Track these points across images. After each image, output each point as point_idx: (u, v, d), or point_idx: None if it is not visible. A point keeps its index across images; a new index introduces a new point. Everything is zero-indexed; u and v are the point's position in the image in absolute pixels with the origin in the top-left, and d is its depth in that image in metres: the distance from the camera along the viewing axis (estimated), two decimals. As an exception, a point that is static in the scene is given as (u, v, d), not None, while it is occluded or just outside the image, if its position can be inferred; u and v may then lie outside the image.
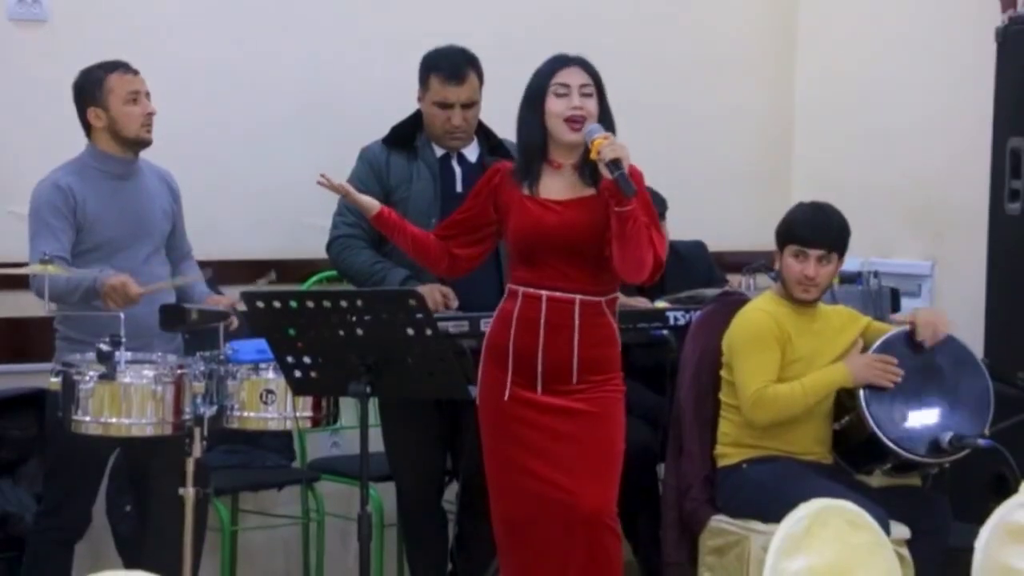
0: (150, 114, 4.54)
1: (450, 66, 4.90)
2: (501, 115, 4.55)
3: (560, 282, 4.18)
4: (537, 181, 4.22)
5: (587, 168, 4.17)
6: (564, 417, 4.20)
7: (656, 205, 5.27)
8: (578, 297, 4.17)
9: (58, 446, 4.44)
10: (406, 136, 4.98)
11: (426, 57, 4.97)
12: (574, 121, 4.15)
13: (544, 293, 4.19)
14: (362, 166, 4.98)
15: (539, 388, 4.19)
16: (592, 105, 4.17)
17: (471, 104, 4.93)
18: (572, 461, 4.18)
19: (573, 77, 4.18)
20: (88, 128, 4.56)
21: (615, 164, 4.02)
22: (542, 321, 4.17)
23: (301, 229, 5.45)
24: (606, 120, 4.19)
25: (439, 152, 4.98)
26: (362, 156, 5.01)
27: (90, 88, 4.52)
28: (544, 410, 4.20)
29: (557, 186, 4.22)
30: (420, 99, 4.98)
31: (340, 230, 4.97)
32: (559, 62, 4.22)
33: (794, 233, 4.61)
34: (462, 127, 4.91)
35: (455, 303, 4.74)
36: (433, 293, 4.70)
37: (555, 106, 4.18)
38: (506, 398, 4.22)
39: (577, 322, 4.17)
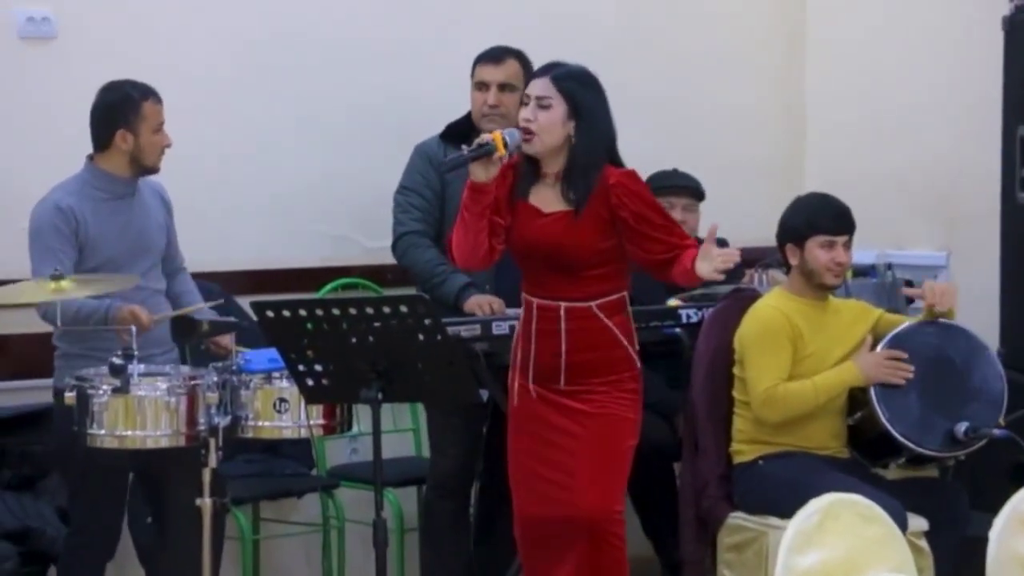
0: (168, 145, 4.57)
1: (491, 51, 5.09)
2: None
3: (545, 290, 4.23)
4: (530, 187, 4.25)
5: (567, 181, 4.19)
6: (561, 420, 4.23)
7: (693, 189, 5.34)
8: (563, 304, 4.20)
9: (78, 463, 4.46)
10: (461, 132, 5.05)
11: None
12: (523, 132, 4.17)
13: (535, 300, 4.25)
14: (419, 159, 5.09)
15: (532, 393, 4.26)
16: (546, 117, 4.15)
17: (508, 87, 5.03)
18: (574, 463, 4.20)
19: (532, 88, 4.21)
20: (103, 146, 4.55)
21: (478, 145, 4.06)
22: (533, 327, 4.25)
23: (312, 237, 5.50)
24: (587, 127, 4.18)
25: None
26: (418, 151, 5.12)
27: (124, 110, 4.50)
28: (539, 413, 4.25)
29: (545, 196, 4.25)
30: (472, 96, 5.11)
31: (406, 226, 5.05)
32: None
33: (820, 225, 4.64)
34: (498, 107, 5.00)
35: (507, 313, 4.76)
36: (483, 305, 4.81)
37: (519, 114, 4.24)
38: (515, 402, 4.31)
39: (563, 327, 4.20)
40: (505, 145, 4.11)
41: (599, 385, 4.23)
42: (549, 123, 4.16)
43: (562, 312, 4.21)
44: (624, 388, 4.27)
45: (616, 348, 4.25)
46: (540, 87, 4.20)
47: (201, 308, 4.60)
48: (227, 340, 4.43)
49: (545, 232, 4.20)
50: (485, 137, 4.12)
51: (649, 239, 4.19)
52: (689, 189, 5.39)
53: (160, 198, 4.72)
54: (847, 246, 4.65)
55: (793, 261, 4.69)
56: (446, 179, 5.01)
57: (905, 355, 4.57)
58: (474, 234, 4.18)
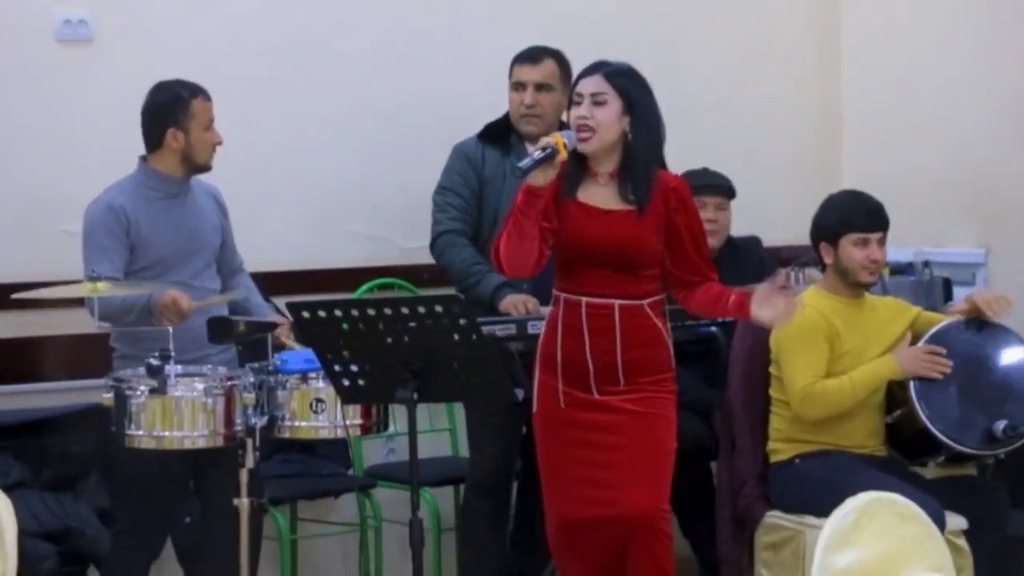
0: (219, 143, 4.61)
1: (528, 51, 5.10)
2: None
3: (598, 288, 4.20)
4: (577, 186, 4.23)
5: (626, 180, 4.18)
6: (616, 417, 4.21)
7: (724, 188, 5.36)
8: (617, 302, 4.19)
9: (125, 466, 4.49)
10: (500, 133, 5.07)
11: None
12: (579, 130, 4.15)
13: (584, 299, 4.21)
14: (458, 159, 5.11)
15: (593, 390, 4.22)
16: (603, 113, 4.14)
17: (545, 87, 5.04)
18: (622, 464, 4.19)
19: (584, 86, 4.18)
20: (155, 145, 4.59)
21: (543, 148, 4.05)
22: (584, 327, 4.20)
23: (348, 238, 5.51)
24: (642, 123, 4.17)
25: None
26: (456, 151, 5.14)
27: (175, 109, 4.55)
28: (590, 415, 4.22)
29: (601, 195, 4.22)
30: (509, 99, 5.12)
31: (443, 225, 5.07)
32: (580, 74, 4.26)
33: (853, 223, 4.63)
34: (535, 108, 5.02)
35: (542, 312, 4.76)
36: (518, 305, 4.81)
37: (571, 113, 4.22)
38: (561, 404, 4.25)
39: (618, 325, 4.18)
40: (566, 147, 4.09)
41: (647, 384, 4.22)
42: (606, 119, 4.15)
43: (616, 310, 4.20)
44: (666, 388, 4.26)
45: (662, 347, 4.25)
46: (593, 84, 4.17)
47: (239, 296, 4.62)
48: (284, 331, 4.45)
49: (610, 231, 4.17)
50: (548, 141, 4.07)
51: (686, 256, 4.22)
52: (721, 188, 5.38)
53: (215, 199, 4.77)
54: (881, 243, 4.64)
55: (828, 260, 4.67)
56: (484, 179, 5.03)
57: (944, 350, 4.55)
58: (529, 240, 4.12)
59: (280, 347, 4.42)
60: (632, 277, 4.19)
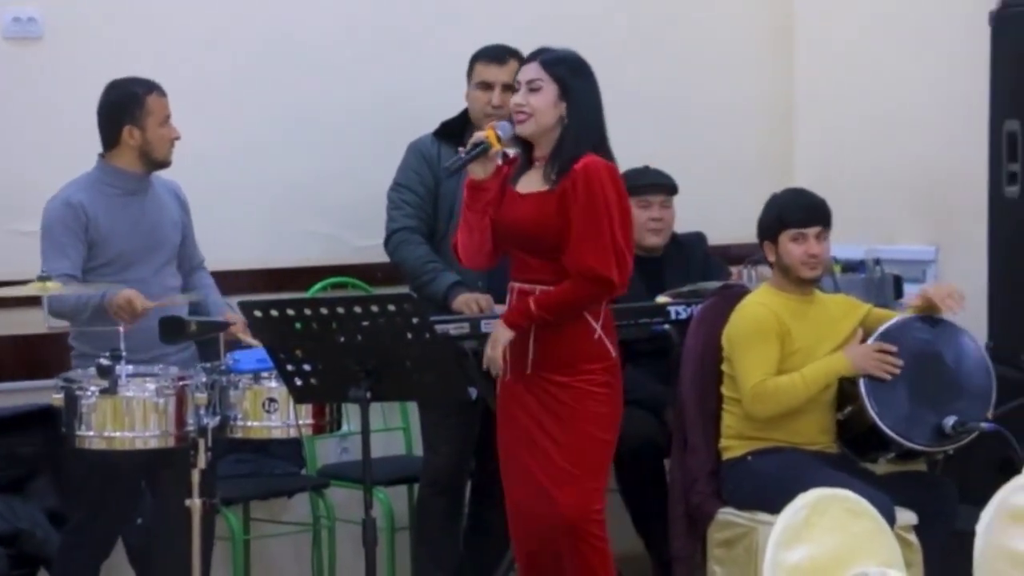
0: (176, 138, 4.60)
1: (493, 50, 5.10)
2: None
3: (525, 273, 4.26)
4: (520, 176, 4.29)
5: (552, 163, 4.22)
6: (542, 411, 4.24)
7: (667, 186, 5.35)
8: (538, 288, 4.22)
9: (74, 464, 4.46)
10: (455, 130, 5.06)
11: (474, 52, 5.15)
12: (515, 115, 4.24)
13: (516, 285, 4.28)
14: (413, 157, 5.10)
15: (507, 374, 4.28)
16: (537, 99, 4.20)
17: (511, 87, 5.00)
18: (550, 466, 4.22)
19: (522, 73, 4.27)
20: (112, 143, 4.57)
21: (473, 145, 4.12)
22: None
23: (302, 237, 5.49)
24: (578, 109, 4.21)
25: None
26: (412, 149, 5.13)
27: (130, 106, 4.55)
28: (513, 399, 4.28)
29: (533, 180, 4.28)
30: (467, 95, 5.12)
31: (398, 222, 5.06)
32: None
33: (789, 219, 4.65)
34: (502, 108, 5.00)
35: (495, 310, 4.76)
36: (470, 303, 4.80)
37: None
38: (498, 387, 4.33)
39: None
40: (499, 139, 4.17)
41: (569, 377, 4.22)
42: (541, 105, 4.21)
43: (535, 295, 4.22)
44: (596, 382, 4.25)
45: (589, 337, 4.24)
46: (530, 72, 4.25)
47: (199, 297, 4.61)
48: (241, 327, 4.44)
49: (517, 215, 4.23)
50: (479, 136, 4.17)
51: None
52: (664, 186, 5.40)
53: (175, 196, 4.76)
54: (820, 238, 4.64)
55: (771, 258, 4.71)
56: (439, 177, 5.03)
57: (895, 348, 4.58)
58: (478, 233, 4.24)
59: (238, 344, 4.40)
60: (552, 262, 4.20)
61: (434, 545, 5.10)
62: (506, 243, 4.28)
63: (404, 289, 4.98)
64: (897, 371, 4.56)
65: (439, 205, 5.05)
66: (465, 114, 5.14)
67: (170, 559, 4.40)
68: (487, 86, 5.06)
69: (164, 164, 4.63)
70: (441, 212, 5.05)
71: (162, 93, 4.59)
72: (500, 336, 4.22)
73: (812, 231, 4.63)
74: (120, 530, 4.70)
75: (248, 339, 4.41)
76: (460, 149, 4.22)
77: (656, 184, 5.38)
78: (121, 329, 4.12)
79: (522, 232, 4.21)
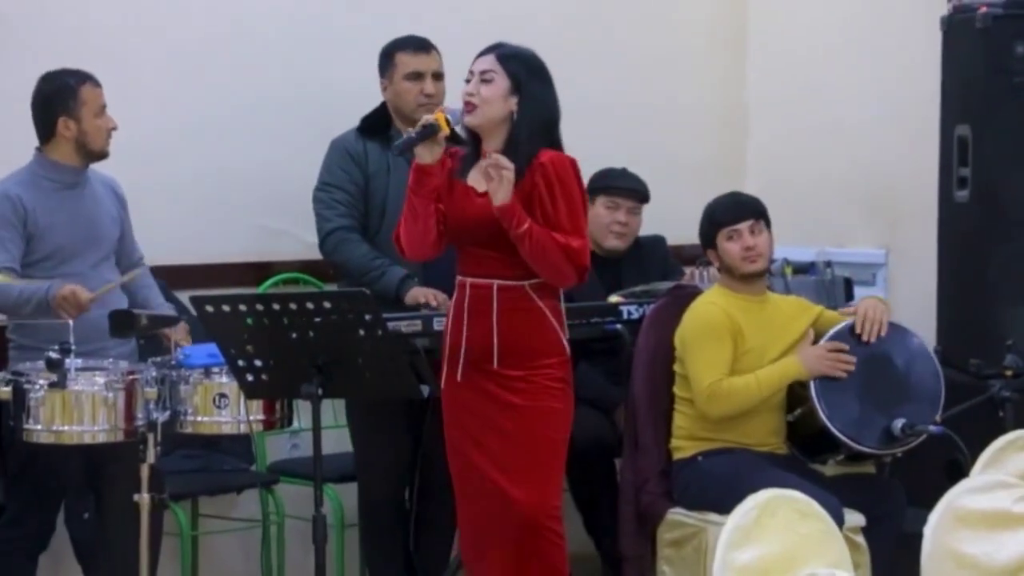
0: (113, 128, 4.56)
1: (415, 40, 5.06)
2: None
3: (480, 268, 4.24)
4: (468, 169, 4.28)
5: (507, 157, 4.19)
6: (492, 411, 4.23)
7: (639, 191, 5.35)
8: (496, 282, 4.21)
9: (18, 456, 4.43)
10: (379, 126, 5.03)
11: (386, 45, 5.10)
12: (465, 104, 4.22)
13: (468, 280, 4.26)
14: (338, 155, 5.04)
15: (459, 374, 4.25)
16: (488, 90, 4.19)
17: (440, 76, 5.03)
18: (506, 459, 4.21)
19: (476, 64, 4.26)
20: (47, 136, 4.54)
21: (422, 126, 4.11)
22: (465, 308, 4.24)
23: (253, 232, 5.47)
24: (529, 105, 4.21)
25: None
26: (336, 147, 5.07)
27: (64, 97, 4.51)
28: (467, 399, 4.25)
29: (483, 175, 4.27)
30: (385, 88, 5.06)
31: (334, 223, 5.00)
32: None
33: (719, 219, 4.72)
34: (436, 96, 4.99)
35: (447, 304, 4.75)
36: (427, 296, 4.77)
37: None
38: (442, 386, 4.30)
39: (496, 306, 4.20)
40: (448, 123, 4.16)
41: (530, 370, 4.22)
42: (491, 96, 4.21)
43: (495, 291, 4.22)
44: (553, 377, 4.25)
45: (548, 331, 4.25)
46: (485, 63, 4.25)
47: (136, 274, 4.58)
48: (180, 333, 4.42)
49: (479, 211, 4.20)
50: (428, 118, 4.16)
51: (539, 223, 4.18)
52: (636, 193, 5.40)
53: (113, 191, 4.73)
54: (754, 231, 4.68)
55: (716, 263, 4.74)
56: (368, 174, 4.98)
57: (847, 347, 4.60)
58: (423, 220, 4.20)
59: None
60: (511, 258, 4.19)
61: (382, 546, 5.08)
62: (463, 238, 4.27)
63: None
64: (851, 367, 4.58)
65: (369, 204, 4.99)
66: (384, 108, 5.08)
67: (118, 555, 4.38)
68: (417, 76, 5.01)
69: (102, 155, 4.59)
70: (372, 211, 5.00)
71: (96, 84, 4.56)
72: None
73: (744, 225, 4.67)
74: (54, 523, 4.64)
75: (185, 344, 4.38)
76: (408, 130, 4.19)
77: (629, 189, 5.37)
78: (71, 322, 4.10)
79: (485, 228, 4.18)
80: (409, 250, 4.30)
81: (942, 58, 5.45)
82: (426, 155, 4.16)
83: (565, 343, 4.29)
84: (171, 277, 5.07)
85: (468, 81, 4.26)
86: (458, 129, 4.27)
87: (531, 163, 4.18)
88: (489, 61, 4.24)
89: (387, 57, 5.07)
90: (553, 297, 4.28)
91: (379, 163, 5.00)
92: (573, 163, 4.26)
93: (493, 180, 4.10)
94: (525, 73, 4.23)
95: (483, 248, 4.23)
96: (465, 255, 4.30)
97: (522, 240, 4.12)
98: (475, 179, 4.26)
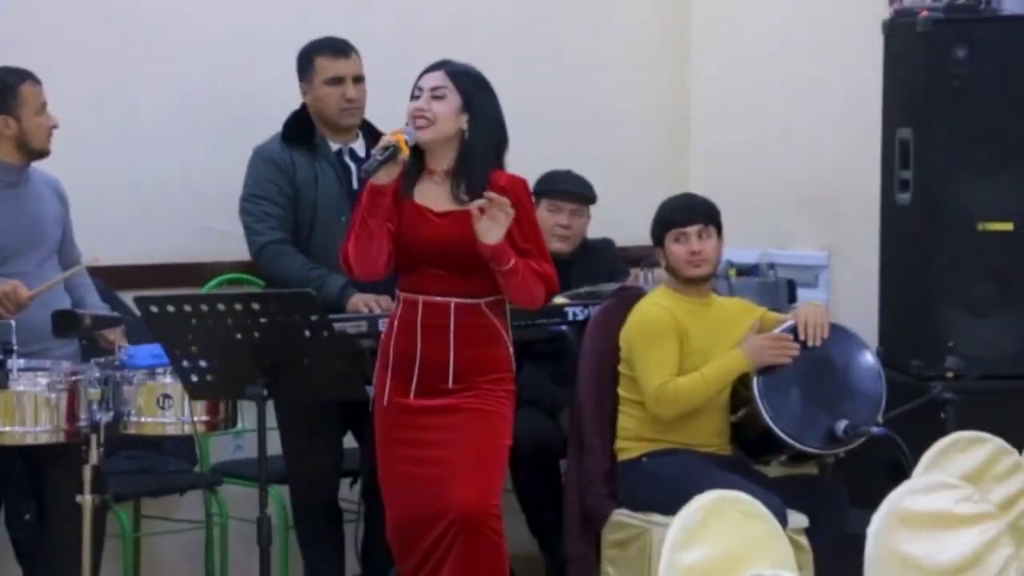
0: (54, 126, 4.53)
1: (334, 43, 5.00)
2: (392, 118, 4.53)
3: (434, 287, 4.21)
4: (413, 185, 4.24)
5: (460, 179, 4.19)
6: (440, 417, 4.21)
7: (582, 193, 5.36)
8: (453, 301, 4.20)
9: None
10: (304, 133, 4.98)
11: (304, 48, 5.04)
12: (415, 119, 4.18)
13: (420, 298, 4.22)
14: (264, 166, 4.97)
15: (412, 393, 4.22)
16: (440, 107, 4.16)
17: (361, 79, 4.99)
18: (450, 460, 4.19)
19: (425, 80, 4.22)
20: None
21: (384, 148, 4.06)
22: (418, 325, 4.21)
23: (199, 232, 5.44)
24: (480, 123, 4.20)
25: (335, 148, 5.00)
26: (261, 157, 5.00)
27: (3, 96, 4.48)
28: (418, 414, 4.23)
29: (435, 194, 4.24)
30: (305, 92, 5.01)
31: (267, 236, 4.94)
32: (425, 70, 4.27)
33: (668, 220, 4.73)
34: (357, 100, 4.96)
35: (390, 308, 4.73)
36: (369, 303, 4.74)
37: (409, 106, 4.22)
38: (385, 402, 4.26)
39: (453, 324, 4.20)
40: (407, 143, 4.11)
41: (483, 383, 4.23)
42: (443, 113, 4.18)
43: (452, 309, 4.21)
44: (503, 387, 4.26)
45: (501, 348, 4.27)
46: (435, 79, 4.21)
47: (78, 270, 4.54)
48: (117, 335, 4.39)
49: (440, 233, 4.18)
50: (389, 139, 4.09)
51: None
52: (578, 195, 5.40)
53: (56, 191, 4.69)
54: (701, 235, 4.69)
55: (662, 262, 4.76)
56: (297, 185, 4.93)
57: (790, 336, 4.64)
58: (378, 240, 4.14)
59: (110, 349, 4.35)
60: (468, 277, 4.19)
61: (320, 548, 5.06)
62: (417, 258, 4.22)
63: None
64: (795, 352, 4.61)
65: (299, 214, 4.93)
66: (304, 112, 5.03)
67: (59, 557, 4.35)
68: (338, 80, 4.96)
69: (43, 153, 4.56)
70: (302, 222, 4.95)
71: (36, 81, 4.52)
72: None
73: (692, 229, 4.69)
74: (7, 527, 4.63)
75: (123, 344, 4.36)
76: (373, 153, 4.11)
77: (570, 192, 5.37)
78: (13, 322, 4.06)
79: (447, 251, 4.16)
80: (360, 270, 4.22)
81: (884, 62, 5.50)
82: (384, 176, 4.09)
83: (512, 359, 4.30)
84: (114, 277, 5.04)
85: (416, 97, 4.21)
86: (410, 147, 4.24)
87: (486, 186, 4.16)
88: (439, 77, 4.20)
89: (306, 60, 5.01)
90: (504, 314, 4.29)
91: (307, 173, 4.94)
92: (525, 184, 4.28)
93: (484, 218, 4.06)
94: (475, 91, 4.21)
95: (439, 268, 4.21)
96: (416, 273, 4.24)
97: (508, 275, 4.13)
98: (428, 198, 4.23)
